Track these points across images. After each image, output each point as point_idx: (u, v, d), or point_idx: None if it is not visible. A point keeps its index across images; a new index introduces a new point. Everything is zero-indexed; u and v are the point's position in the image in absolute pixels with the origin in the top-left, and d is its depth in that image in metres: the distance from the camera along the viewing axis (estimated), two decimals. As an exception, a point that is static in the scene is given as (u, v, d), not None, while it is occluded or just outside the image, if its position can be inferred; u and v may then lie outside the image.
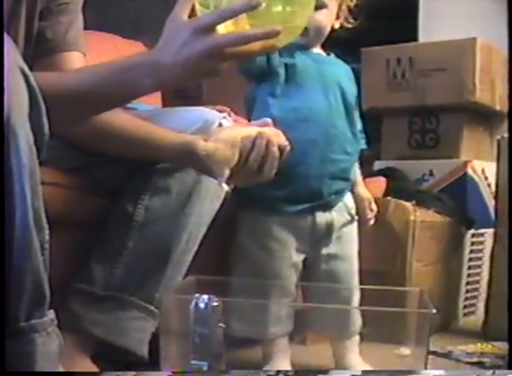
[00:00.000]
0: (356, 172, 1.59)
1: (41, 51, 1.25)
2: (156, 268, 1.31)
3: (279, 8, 1.00)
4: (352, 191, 1.57)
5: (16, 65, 0.83)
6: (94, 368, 1.25)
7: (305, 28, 1.32)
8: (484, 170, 2.27)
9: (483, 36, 2.27)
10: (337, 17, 1.49)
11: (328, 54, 1.56)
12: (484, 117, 2.41)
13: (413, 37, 2.62)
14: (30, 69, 1.23)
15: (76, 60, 1.28)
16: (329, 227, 1.50)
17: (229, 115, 1.43)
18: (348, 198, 1.54)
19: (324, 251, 1.50)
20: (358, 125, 1.58)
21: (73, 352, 1.23)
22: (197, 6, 1.04)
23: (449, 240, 2.08)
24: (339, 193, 1.51)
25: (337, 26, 1.50)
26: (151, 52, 1.10)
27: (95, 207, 1.34)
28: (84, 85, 1.08)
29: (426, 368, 1.11)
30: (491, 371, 1.25)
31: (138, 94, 1.12)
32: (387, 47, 2.34)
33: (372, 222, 1.60)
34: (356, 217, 1.55)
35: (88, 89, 1.08)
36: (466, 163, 2.22)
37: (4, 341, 0.83)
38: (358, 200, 1.57)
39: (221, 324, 1.04)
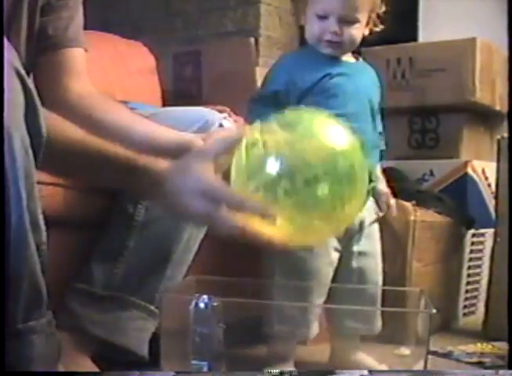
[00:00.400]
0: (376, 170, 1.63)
1: (43, 47, 1.25)
2: (156, 268, 1.31)
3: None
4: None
5: (11, 66, 0.83)
6: (94, 368, 1.25)
7: (341, 43, 1.48)
8: (484, 170, 2.27)
9: (483, 36, 2.27)
10: (367, 24, 1.53)
11: (357, 58, 1.60)
12: (484, 117, 2.41)
13: (413, 37, 2.62)
14: (34, 65, 1.26)
15: (78, 56, 1.28)
16: (361, 225, 1.54)
17: (229, 115, 1.43)
18: (371, 198, 1.59)
19: (355, 248, 1.55)
20: (380, 127, 1.62)
21: (74, 351, 1.23)
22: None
23: (449, 240, 2.08)
24: (368, 194, 1.51)
25: (366, 33, 1.54)
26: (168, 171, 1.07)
27: (95, 207, 1.34)
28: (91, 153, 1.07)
29: (426, 368, 1.11)
30: (491, 371, 1.25)
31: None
32: (387, 47, 2.34)
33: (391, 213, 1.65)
34: (380, 214, 1.62)
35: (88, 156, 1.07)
36: (466, 163, 2.22)
37: (4, 342, 0.83)
38: (377, 194, 1.62)
39: (221, 324, 1.04)
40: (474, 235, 2.19)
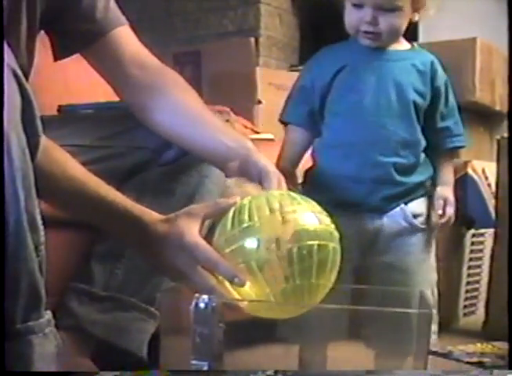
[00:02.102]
0: (439, 173, 1.45)
1: (82, 42, 1.28)
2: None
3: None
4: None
5: (7, 66, 0.83)
6: (93, 368, 1.24)
7: (379, 33, 1.35)
8: (484, 170, 2.27)
9: (483, 36, 2.27)
10: (415, 10, 1.38)
11: (412, 46, 1.47)
12: (484, 117, 2.41)
13: (413, 37, 2.62)
14: (69, 54, 1.28)
15: (122, 36, 1.30)
16: (378, 234, 1.39)
17: (229, 115, 1.43)
18: (414, 205, 1.41)
19: (375, 259, 1.40)
20: (440, 123, 1.44)
21: (73, 351, 1.23)
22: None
23: (449, 240, 2.08)
24: (391, 199, 1.39)
25: (416, 18, 1.39)
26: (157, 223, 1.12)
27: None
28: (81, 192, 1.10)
29: (426, 368, 1.11)
30: (491, 371, 1.25)
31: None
32: (387, 47, 2.34)
33: (440, 222, 1.43)
34: (422, 226, 1.41)
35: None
36: (466, 163, 2.22)
37: (4, 342, 0.83)
38: (435, 197, 1.43)
39: (221, 324, 1.03)
40: (474, 235, 2.19)
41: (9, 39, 1.09)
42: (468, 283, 2.21)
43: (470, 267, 2.21)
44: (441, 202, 1.42)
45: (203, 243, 1.07)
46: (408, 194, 1.40)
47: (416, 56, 1.43)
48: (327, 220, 1.08)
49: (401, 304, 1.30)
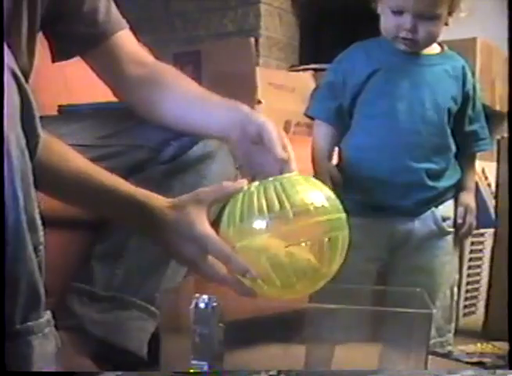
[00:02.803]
0: (464, 178, 1.46)
1: (83, 45, 1.29)
2: (157, 268, 1.31)
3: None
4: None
5: (6, 66, 0.83)
6: (93, 368, 1.24)
7: (417, 40, 1.34)
8: (484, 170, 2.26)
9: (483, 36, 2.27)
10: (449, 14, 1.38)
11: (442, 48, 1.46)
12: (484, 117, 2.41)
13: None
14: (72, 56, 1.29)
15: (123, 40, 1.32)
16: (408, 237, 1.40)
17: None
18: (443, 209, 1.43)
19: (403, 261, 1.42)
20: (467, 126, 1.45)
21: (73, 351, 1.23)
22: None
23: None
24: (423, 203, 1.40)
25: (450, 21, 1.39)
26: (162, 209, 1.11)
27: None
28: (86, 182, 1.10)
29: (426, 368, 1.11)
30: (491, 371, 1.25)
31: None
32: (387, 47, 2.34)
33: (461, 232, 1.45)
34: (450, 229, 1.43)
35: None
36: (466, 163, 2.22)
37: (4, 342, 0.83)
38: (458, 204, 1.45)
39: (221, 324, 1.03)
40: (474, 235, 2.19)
41: (10, 39, 1.11)
42: (468, 283, 2.21)
43: (470, 267, 2.21)
44: (462, 210, 1.44)
45: (213, 235, 1.07)
46: (438, 198, 1.41)
47: (447, 61, 1.44)
48: (339, 206, 1.08)
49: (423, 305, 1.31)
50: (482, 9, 2.60)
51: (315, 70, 2.54)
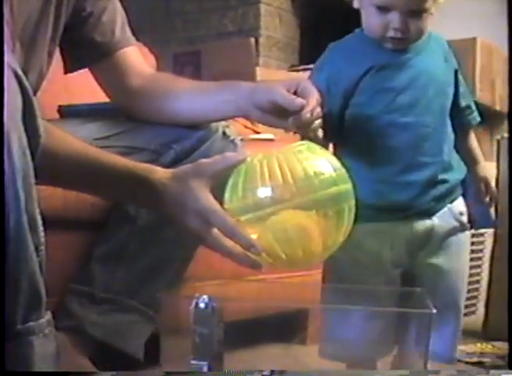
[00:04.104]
0: (470, 153, 1.40)
1: (97, 54, 1.32)
2: (157, 272, 1.31)
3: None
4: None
5: (8, 66, 0.83)
6: (92, 368, 1.25)
7: (405, 38, 1.24)
8: (484, 170, 2.27)
9: (483, 36, 2.27)
10: (434, 1, 1.26)
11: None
12: (484, 117, 2.41)
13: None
14: (89, 68, 1.33)
15: (132, 55, 1.36)
16: (429, 236, 1.31)
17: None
18: (457, 203, 1.36)
19: (425, 262, 1.32)
20: (463, 102, 1.36)
21: (72, 352, 1.23)
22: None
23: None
24: (440, 199, 1.32)
25: (433, 10, 1.26)
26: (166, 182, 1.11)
27: (95, 209, 1.34)
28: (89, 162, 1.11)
29: (426, 368, 1.11)
30: (491, 371, 1.25)
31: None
32: (387, 47, 2.34)
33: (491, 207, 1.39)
34: (468, 224, 1.36)
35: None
36: (466, 163, 2.22)
37: (4, 342, 0.83)
38: (475, 181, 1.39)
39: (221, 324, 1.03)
40: (474, 235, 2.19)
41: (35, 46, 1.13)
42: (468, 283, 2.21)
43: (470, 267, 2.20)
44: (481, 184, 1.40)
45: (217, 207, 1.06)
46: (452, 193, 1.35)
47: (431, 42, 1.32)
48: (346, 176, 1.07)
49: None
50: (482, 9, 2.61)
51: (315, 70, 2.53)
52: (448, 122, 1.33)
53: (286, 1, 2.99)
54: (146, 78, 1.36)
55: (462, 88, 1.36)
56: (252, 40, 2.47)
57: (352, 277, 1.30)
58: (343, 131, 1.30)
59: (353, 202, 1.07)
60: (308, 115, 1.13)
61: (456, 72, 1.35)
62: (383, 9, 1.21)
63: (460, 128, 1.37)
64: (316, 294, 1.57)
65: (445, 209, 1.33)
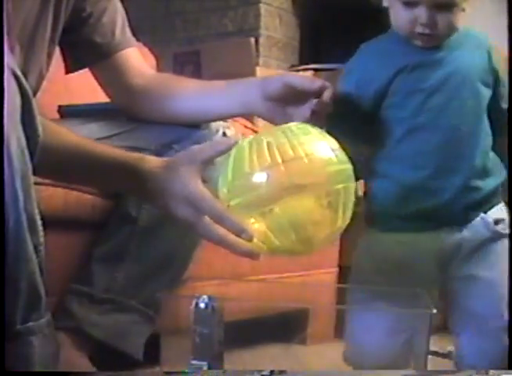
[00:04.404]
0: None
1: (97, 55, 1.32)
2: (156, 273, 1.31)
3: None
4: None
5: (8, 67, 0.83)
6: (92, 369, 1.25)
7: (434, 34, 1.19)
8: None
9: (483, 36, 2.27)
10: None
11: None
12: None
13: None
14: (90, 68, 1.34)
15: (130, 55, 1.35)
16: (458, 249, 1.23)
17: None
18: (494, 211, 1.26)
19: (458, 274, 1.24)
20: (503, 104, 1.27)
21: (72, 352, 1.23)
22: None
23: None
24: (471, 208, 1.23)
25: (466, 6, 1.23)
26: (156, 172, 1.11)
27: (95, 209, 1.34)
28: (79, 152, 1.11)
29: (426, 368, 1.11)
30: (491, 371, 1.25)
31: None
32: (387, 47, 2.34)
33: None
34: (505, 231, 1.25)
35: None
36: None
37: (4, 342, 0.83)
38: None
39: (221, 324, 1.03)
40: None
41: (34, 46, 1.13)
42: (468, 283, 2.20)
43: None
44: None
45: (207, 194, 1.05)
46: (486, 201, 1.25)
47: (469, 39, 1.28)
48: (345, 157, 1.04)
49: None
50: (482, 9, 2.61)
51: (315, 70, 2.53)
52: (485, 125, 1.25)
53: (286, 1, 2.99)
54: (148, 78, 1.36)
55: (503, 90, 1.28)
56: (252, 40, 2.47)
57: (376, 286, 1.24)
58: (373, 135, 1.25)
59: (353, 184, 1.04)
60: (330, 95, 1.12)
61: (496, 72, 1.28)
62: (409, 4, 1.17)
63: (498, 131, 1.28)
64: (316, 294, 1.57)
65: (478, 219, 1.24)
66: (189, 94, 1.31)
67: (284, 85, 1.16)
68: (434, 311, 1.08)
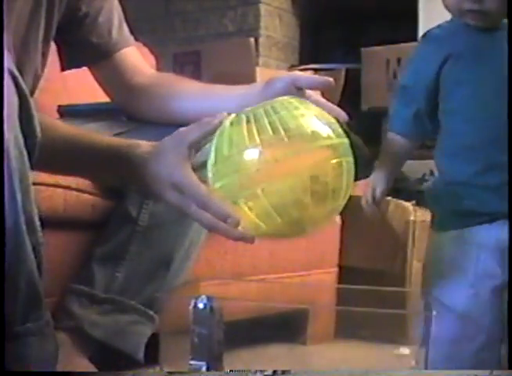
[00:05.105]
0: None
1: (94, 55, 1.32)
2: (157, 273, 1.31)
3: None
4: None
5: (5, 67, 0.83)
6: (92, 368, 1.25)
7: (483, 11, 1.11)
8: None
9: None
10: None
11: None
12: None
13: (413, 37, 2.63)
14: (88, 67, 1.33)
15: (128, 55, 1.35)
16: None
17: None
18: None
19: None
20: None
21: (72, 353, 1.23)
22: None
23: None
24: None
25: None
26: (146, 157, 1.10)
27: (95, 209, 1.34)
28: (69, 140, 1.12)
29: (426, 368, 1.11)
30: (490, 371, 1.24)
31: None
32: (387, 47, 2.34)
33: None
34: None
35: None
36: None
37: (4, 342, 0.83)
38: None
39: (221, 325, 1.03)
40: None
41: (28, 45, 1.13)
42: (468, 283, 2.21)
43: (470, 267, 2.20)
44: None
45: (193, 180, 1.03)
46: None
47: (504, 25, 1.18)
48: (337, 129, 0.98)
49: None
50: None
51: (315, 70, 2.53)
52: None
53: (286, 1, 2.99)
54: (148, 77, 1.36)
55: None
56: (252, 40, 2.47)
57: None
58: (428, 129, 1.21)
59: (351, 159, 0.98)
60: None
61: None
62: None
63: None
64: (316, 294, 1.57)
65: None
66: (190, 95, 1.31)
67: (288, 84, 1.16)
68: (435, 313, 1.07)
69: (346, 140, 0.98)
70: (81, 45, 1.31)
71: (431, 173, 2.25)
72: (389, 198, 1.95)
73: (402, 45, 2.36)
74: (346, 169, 0.96)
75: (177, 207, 1.07)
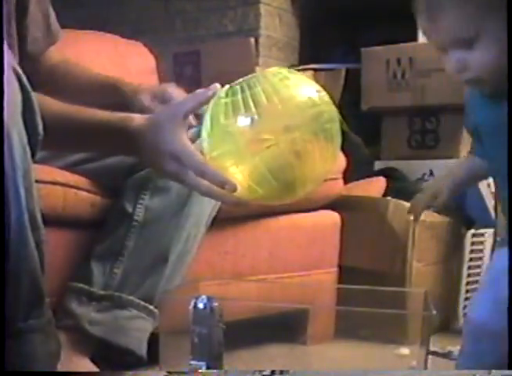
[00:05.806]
0: None
1: (45, 42, 1.35)
2: (155, 268, 1.31)
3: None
4: None
5: (7, 65, 0.83)
6: (93, 368, 1.24)
7: (478, 79, 1.00)
8: (484, 170, 2.26)
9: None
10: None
11: None
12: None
13: (413, 37, 2.62)
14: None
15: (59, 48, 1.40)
16: None
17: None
18: None
19: None
20: None
21: (73, 352, 1.23)
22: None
23: (449, 240, 2.08)
24: None
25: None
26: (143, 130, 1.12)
27: (94, 207, 1.34)
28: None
29: (426, 368, 1.11)
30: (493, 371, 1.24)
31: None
32: (387, 47, 2.34)
33: None
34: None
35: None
36: (466, 163, 2.21)
37: (4, 342, 0.82)
38: None
39: (221, 324, 1.03)
40: (474, 235, 2.19)
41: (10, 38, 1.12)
42: (468, 283, 2.21)
43: (470, 267, 2.20)
44: None
45: (190, 148, 1.06)
46: None
47: None
48: (325, 96, 1.04)
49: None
50: (482, 9, 2.60)
51: (314, 70, 2.53)
52: None
53: (286, 1, 2.99)
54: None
55: None
56: (252, 40, 2.47)
57: None
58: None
59: (337, 124, 1.04)
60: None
61: None
62: (443, 51, 1.03)
63: None
64: (316, 294, 1.56)
65: None
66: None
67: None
68: (435, 312, 1.07)
69: (333, 107, 1.04)
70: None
71: (431, 173, 2.25)
72: (389, 198, 1.96)
73: (402, 45, 2.37)
74: (333, 134, 1.02)
75: (175, 176, 1.09)
